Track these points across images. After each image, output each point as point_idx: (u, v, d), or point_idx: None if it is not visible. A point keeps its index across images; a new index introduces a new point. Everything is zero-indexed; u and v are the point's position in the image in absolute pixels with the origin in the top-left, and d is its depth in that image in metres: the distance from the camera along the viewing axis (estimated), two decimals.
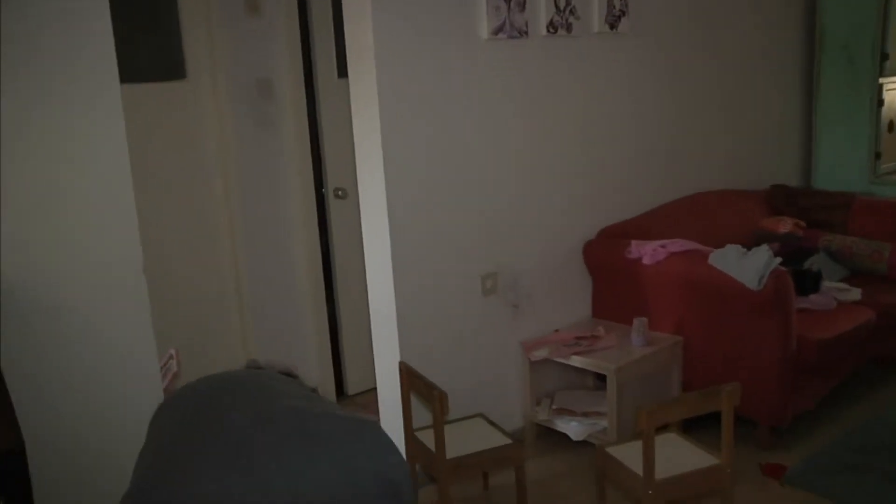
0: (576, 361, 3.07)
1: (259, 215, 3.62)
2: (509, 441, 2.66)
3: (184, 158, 3.45)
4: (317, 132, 3.76)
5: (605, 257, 3.40)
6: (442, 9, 2.88)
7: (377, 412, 3.12)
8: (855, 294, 3.45)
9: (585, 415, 3.14)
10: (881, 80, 4.33)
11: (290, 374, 1.66)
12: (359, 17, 2.73)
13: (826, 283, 3.47)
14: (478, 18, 2.98)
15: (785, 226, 3.85)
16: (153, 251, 3.32)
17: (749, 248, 3.07)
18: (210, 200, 3.55)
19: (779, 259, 2.95)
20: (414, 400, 2.79)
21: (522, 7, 3.11)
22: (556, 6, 3.22)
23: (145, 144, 3.31)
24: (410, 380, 2.69)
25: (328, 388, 3.88)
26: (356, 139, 2.91)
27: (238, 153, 3.53)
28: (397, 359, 2.89)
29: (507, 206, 3.19)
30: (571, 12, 3.28)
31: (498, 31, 3.03)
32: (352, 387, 3.96)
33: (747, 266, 2.91)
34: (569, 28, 3.28)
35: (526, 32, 3.13)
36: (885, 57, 4.29)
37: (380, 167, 2.80)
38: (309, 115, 3.70)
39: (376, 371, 3.08)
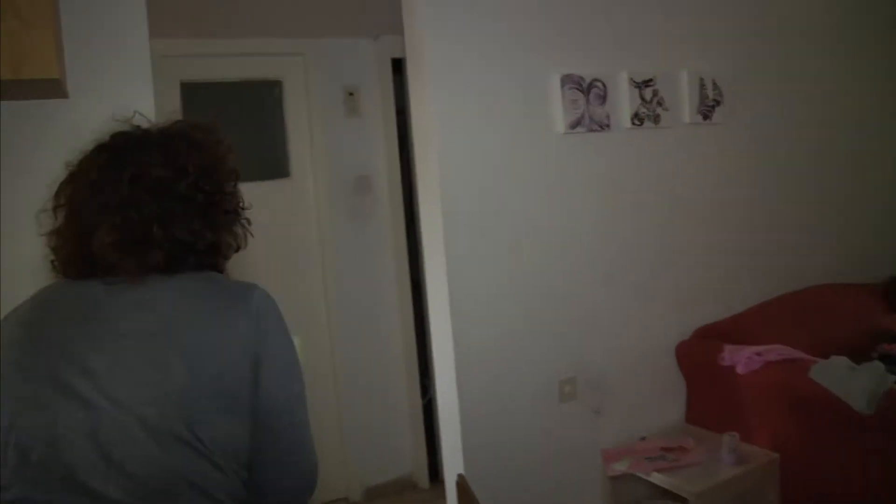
0: (656, 479, 2.81)
1: (356, 305, 3.74)
2: None
3: (286, 251, 3.65)
4: (414, 226, 3.84)
5: (699, 361, 3.12)
6: (514, 104, 2.83)
7: None
8: None
9: None
10: None
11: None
12: (421, 109, 2.75)
13: None
14: (553, 112, 2.91)
15: None
16: None
17: (861, 359, 2.70)
18: (310, 290, 3.71)
19: (894, 377, 2.56)
20: None
21: (603, 100, 3.02)
22: (642, 97, 3.09)
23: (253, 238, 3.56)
24: (466, 500, 2.57)
25: (421, 472, 3.92)
26: (423, 234, 2.90)
27: (336, 246, 3.68)
28: (460, 468, 2.79)
29: (589, 303, 3.03)
30: (659, 103, 3.14)
31: (575, 124, 2.95)
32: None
33: (855, 385, 2.55)
34: (656, 119, 3.13)
35: (608, 125, 3.03)
36: None
37: (442, 262, 2.76)
38: (406, 210, 3.80)
39: (445, 479, 2.99)
